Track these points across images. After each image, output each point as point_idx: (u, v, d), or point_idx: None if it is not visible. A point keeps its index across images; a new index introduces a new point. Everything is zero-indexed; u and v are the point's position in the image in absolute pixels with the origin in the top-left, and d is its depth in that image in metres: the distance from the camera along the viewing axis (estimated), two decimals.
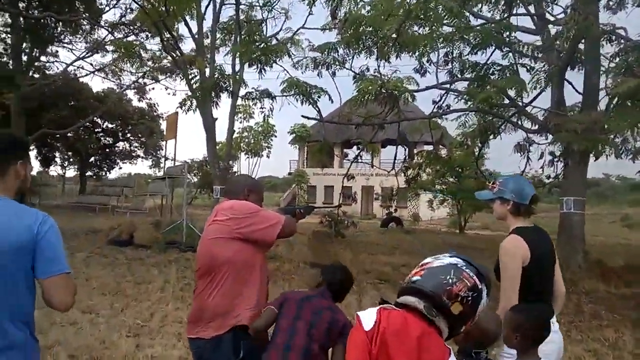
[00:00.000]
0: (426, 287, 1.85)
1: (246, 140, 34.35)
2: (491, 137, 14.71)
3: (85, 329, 5.97)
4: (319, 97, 11.07)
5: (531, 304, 2.59)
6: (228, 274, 2.79)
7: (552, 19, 11.60)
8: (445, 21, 10.93)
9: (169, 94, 48.59)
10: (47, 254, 2.01)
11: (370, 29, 11.40)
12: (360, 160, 20.08)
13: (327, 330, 2.59)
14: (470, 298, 1.84)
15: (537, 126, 13.21)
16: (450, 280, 1.84)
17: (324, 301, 2.74)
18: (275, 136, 37.00)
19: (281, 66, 11.66)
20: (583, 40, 9.90)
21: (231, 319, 2.77)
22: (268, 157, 38.62)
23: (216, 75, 13.44)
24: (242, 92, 13.93)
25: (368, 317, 1.84)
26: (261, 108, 13.57)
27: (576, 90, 12.44)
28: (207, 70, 14.50)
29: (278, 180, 72.00)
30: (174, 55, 15.76)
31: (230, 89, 13.35)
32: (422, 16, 9.76)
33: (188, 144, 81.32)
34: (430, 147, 21.77)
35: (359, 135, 23.97)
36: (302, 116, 12.72)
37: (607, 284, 10.15)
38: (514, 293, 2.79)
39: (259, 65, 11.55)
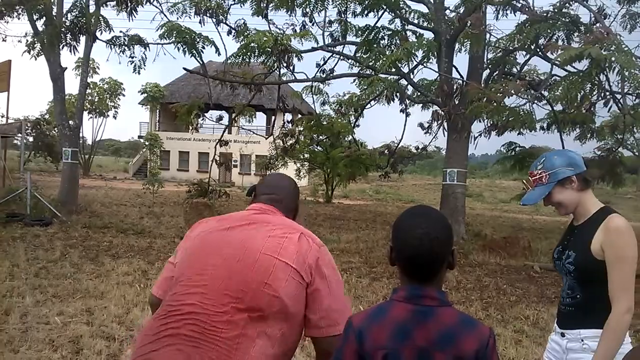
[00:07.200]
0: None
1: (89, 98, 30.88)
2: (372, 104, 14.45)
3: None
4: (203, 47, 9.56)
5: None
6: (281, 331, 1.57)
7: None
8: None
9: None
10: None
11: None
12: (237, 126, 18.76)
13: None
14: None
15: (420, 94, 13.12)
16: None
17: (444, 314, 1.37)
18: (124, 95, 33.96)
19: (158, 7, 9.84)
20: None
21: None
22: (115, 117, 35.58)
23: (75, 13, 11.13)
24: (105, 36, 11.77)
25: None
26: (131, 57, 11.58)
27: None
28: (54, 8, 12.08)
29: (120, 144, 67.25)
30: None
31: (89, 30, 11.14)
32: None
33: (20, 98, 70.95)
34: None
35: (218, 98, 22.46)
36: (184, 69, 11.11)
37: (493, 255, 10.31)
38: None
39: (128, 4, 9.63)
